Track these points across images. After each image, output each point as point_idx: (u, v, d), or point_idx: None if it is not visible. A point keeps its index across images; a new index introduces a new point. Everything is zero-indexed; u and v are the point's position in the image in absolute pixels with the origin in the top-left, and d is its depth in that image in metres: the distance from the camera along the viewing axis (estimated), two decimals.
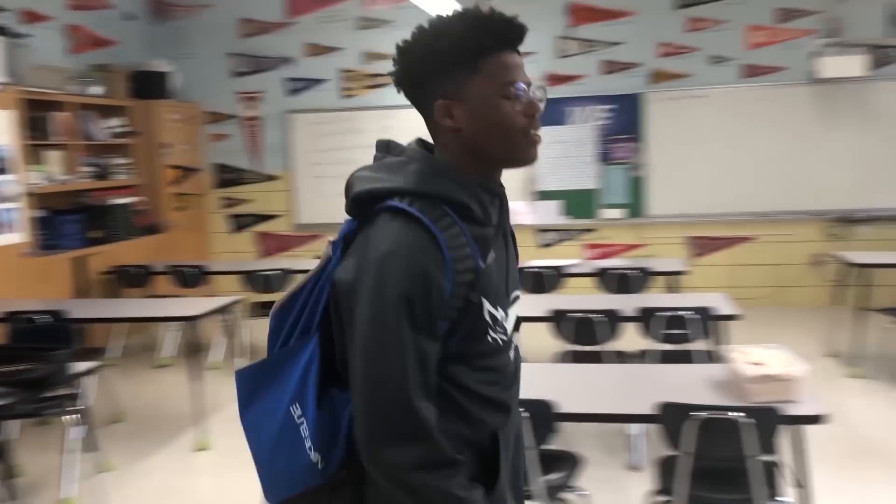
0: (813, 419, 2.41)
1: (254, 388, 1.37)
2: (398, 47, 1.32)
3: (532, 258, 5.94)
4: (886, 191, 6.69)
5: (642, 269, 5.04)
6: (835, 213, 6.78)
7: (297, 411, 1.30)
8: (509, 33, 1.28)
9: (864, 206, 6.73)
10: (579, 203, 7.28)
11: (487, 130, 1.28)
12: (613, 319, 3.87)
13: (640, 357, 3.95)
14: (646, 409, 2.47)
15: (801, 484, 2.66)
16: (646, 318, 3.87)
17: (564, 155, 7.25)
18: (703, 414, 2.37)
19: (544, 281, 5.19)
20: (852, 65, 6.41)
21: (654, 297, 4.51)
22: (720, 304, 3.99)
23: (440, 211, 1.25)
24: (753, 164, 6.91)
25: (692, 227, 7.12)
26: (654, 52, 7.06)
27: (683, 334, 3.80)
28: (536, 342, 4.34)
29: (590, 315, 3.85)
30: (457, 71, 1.27)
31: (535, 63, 7.15)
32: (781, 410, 2.38)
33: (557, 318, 3.93)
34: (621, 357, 3.97)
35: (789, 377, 2.50)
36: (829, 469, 3.64)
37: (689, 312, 3.77)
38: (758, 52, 6.89)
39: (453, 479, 1.22)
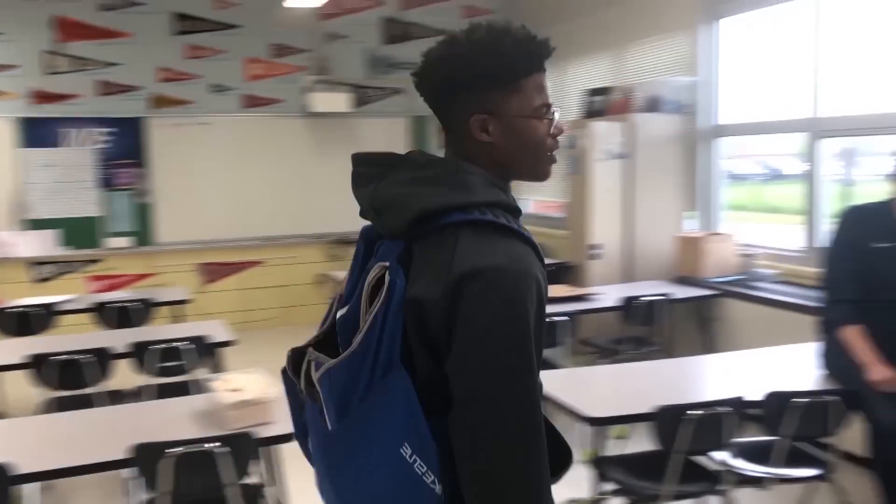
0: (286, 438, 2.54)
1: (344, 452, 1.24)
2: (430, 55, 1.29)
3: (25, 295, 5.30)
4: None
5: (144, 301, 4.84)
6: (334, 235, 7.40)
7: (407, 451, 1.17)
8: (547, 55, 1.31)
9: (358, 228, 7.45)
10: (80, 232, 6.74)
11: (520, 148, 1.30)
12: (104, 358, 3.63)
13: (137, 395, 3.77)
14: (122, 454, 2.34)
15: (281, 502, 2.79)
16: (140, 352, 3.71)
17: (59, 180, 6.66)
18: (179, 450, 2.33)
19: (31, 322, 4.66)
20: (339, 101, 7.09)
21: (152, 330, 4.37)
22: (217, 331, 4.02)
23: (516, 221, 1.25)
24: (259, 191, 7.19)
25: (203, 253, 7.11)
26: (154, 77, 6.90)
27: (179, 366, 3.73)
28: (16, 392, 3.86)
29: (76, 356, 3.55)
30: (499, 88, 1.27)
31: (19, 78, 6.45)
32: (256, 434, 2.46)
33: (38, 364, 3.54)
34: (115, 397, 3.74)
35: (264, 400, 2.60)
36: None
37: (184, 343, 3.71)
38: (257, 84, 7.20)
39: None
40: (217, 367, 3.88)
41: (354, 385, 1.20)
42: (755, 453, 2.85)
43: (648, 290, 4.69)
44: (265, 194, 7.21)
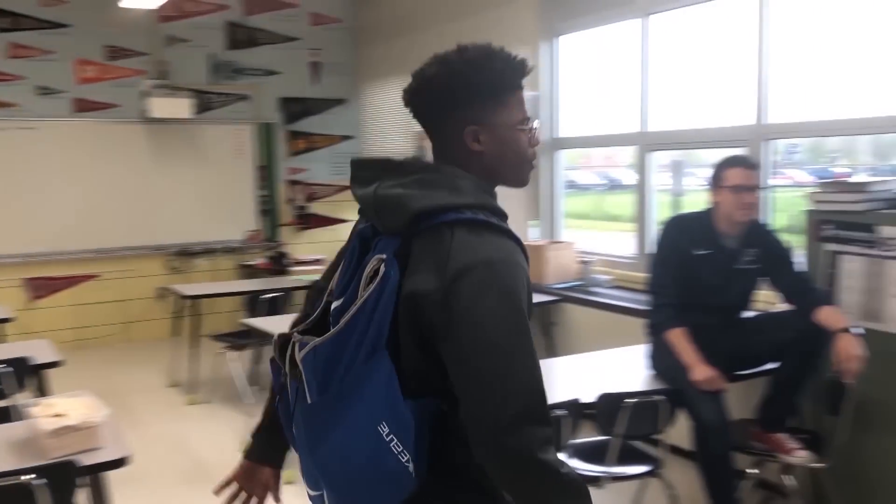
0: (114, 464, 2.38)
1: (322, 424, 1.33)
2: (424, 74, 1.44)
3: None
4: (217, 224, 7.27)
5: None
6: (175, 247, 7.08)
7: (385, 429, 1.27)
8: (526, 73, 1.46)
9: (200, 239, 7.19)
10: None
11: (506, 156, 1.45)
12: None
13: None
14: None
15: None
16: None
17: None
18: None
19: None
20: (180, 107, 6.80)
21: None
22: (42, 351, 3.72)
23: (504, 222, 1.38)
24: (93, 200, 6.76)
25: (30, 267, 6.60)
26: None
27: None
28: None
29: None
30: (488, 102, 1.42)
31: None
32: (79, 462, 2.30)
33: None
34: None
35: (90, 425, 2.44)
36: (173, 500, 3.72)
37: (2, 366, 3.42)
38: (90, 87, 6.78)
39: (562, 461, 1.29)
40: (41, 391, 3.60)
41: (338, 362, 1.31)
42: (591, 453, 2.97)
43: None
44: (100, 204, 6.79)
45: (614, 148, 5.55)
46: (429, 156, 1.50)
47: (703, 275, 3.14)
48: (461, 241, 1.31)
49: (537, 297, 4.96)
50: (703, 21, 4.51)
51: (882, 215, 3.06)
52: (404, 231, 1.34)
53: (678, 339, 3.06)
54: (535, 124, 1.51)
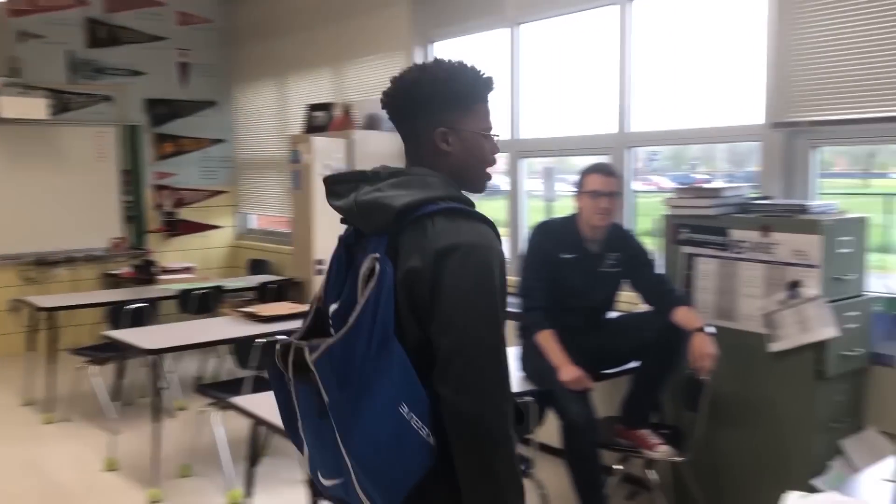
0: None
1: (349, 416, 1.43)
2: (404, 79, 1.60)
3: None
4: (79, 232, 6.88)
5: None
6: (30, 256, 6.64)
7: (404, 409, 1.41)
8: (492, 88, 1.64)
9: (60, 247, 6.78)
10: None
11: (470, 159, 1.61)
12: None
13: None
14: None
15: None
16: None
17: None
18: None
19: None
20: (34, 107, 6.38)
21: None
22: None
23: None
24: None
25: None
26: None
27: None
28: None
29: None
30: (459, 109, 1.59)
31: None
32: None
33: None
34: None
35: None
36: None
37: None
38: None
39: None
40: None
41: (352, 357, 1.42)
42: None
43: None
44: None
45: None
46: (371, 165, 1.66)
47: (569, 278, 3.22)
48: (442, 227, 1.48)
49: None
50: (570, 31, 4.65)
51: (733, 219, 3.24)
52: (390, 228, 1.50)
53: (547, 340, 3.12)
54: (497, 134, 1.68)
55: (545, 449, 3.29)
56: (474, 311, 1.44)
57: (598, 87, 4.40)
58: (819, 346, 2.96)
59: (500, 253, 1.52)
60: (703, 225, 3.31)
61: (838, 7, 3.29)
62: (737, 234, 3.19)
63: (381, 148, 5.51)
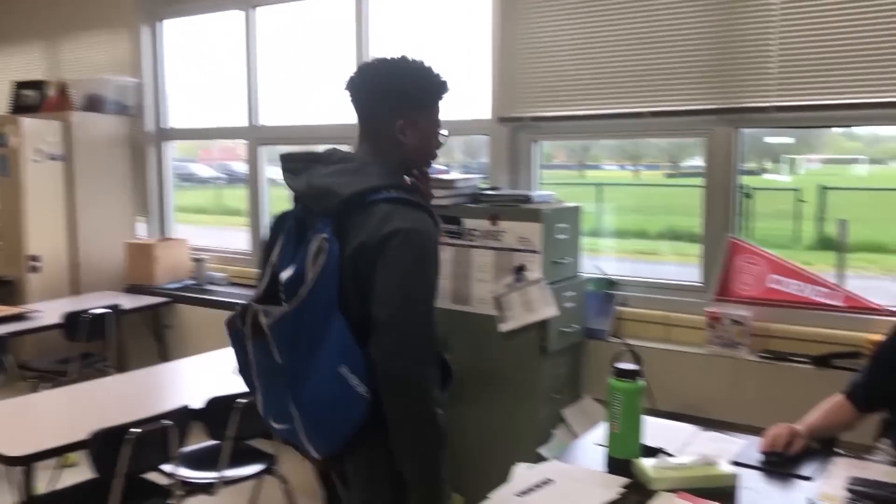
0: None
1: (298, 377, 1.67)
2: (367, 68, 1.83)
3: None
4: None
5: None
6: None
7: (344, 370, 1.65)
8: (448, 90, 1.87)
9: None
10: None
11: (421, 151, 1.86)
12: None
13: None
14: None
15: None
16: None
17: None
18: None
19: None
20: None
21: None
22: None
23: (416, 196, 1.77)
24: None
25: None
26: None
27: None
28: None
29: None
30: (419, 105, 1.83)
31: None
32: None
33: None
34: None
35: None
36: None
37: None
38: None
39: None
40: None
41: (301, 327, 1.65)
42: (203, 460, 2.85)
43: (96, 302, 4.39)
44: None
45: (236, 140, 5.40)
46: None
47: None
48: (387, 213, 1.68)
49: (146, 300, 4.68)
50: (310, 16, 4.59)
51: (466, 209, 3.40)
52: (339, 211, 1.70)
53: None
54: (445, 132, 1.89)
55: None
56: (410, 289, 1.66)
57: (337, 72, 4.39)
58: (542, 325, 3.21)
59: (435, 238, 1.73)
60: (440, 214, 3.43)
61: (556, 11, 3.58)
62: (469, 222, 3.36)
63: (104, 131, 5.09)
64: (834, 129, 4.12)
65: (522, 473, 1.93)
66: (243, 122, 4.86)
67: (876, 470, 1.94)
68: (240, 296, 4.47)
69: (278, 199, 4.95)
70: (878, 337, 2.86)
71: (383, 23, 4.24)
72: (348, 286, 1.67)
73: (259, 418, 2.78)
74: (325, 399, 1.66)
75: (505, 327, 3.24)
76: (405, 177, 1.85)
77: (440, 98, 1.87)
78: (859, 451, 2.16)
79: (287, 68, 4.72)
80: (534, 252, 3.20)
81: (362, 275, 1.66)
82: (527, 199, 3.31)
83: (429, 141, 1.86)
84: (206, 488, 2.76)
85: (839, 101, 2.99)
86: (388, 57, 1.83)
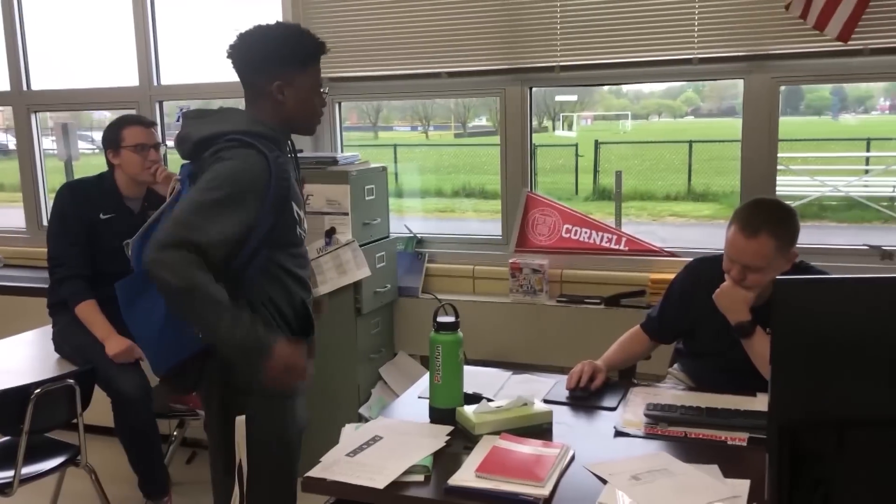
0: None
1: (133, 294, 1.94)
2: (244, 36, 1.95)
3: None
4: None
5: None
6: None
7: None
8: (323, 50, 2.00)
9: None
10: None
11: (301, 110, 1.99)
12: None
13: None
14: None
15: None
16: None
17: None
18: None
19: None
20: None
21: None
22: None
23: (266, 143, 1.89)
24: None
25: None
26: None
27: None
28: None
29: None
30: (295, 67, 1.95)
31: None
32: None
33: None
34: None
35: None
36: None
37: None
38: None
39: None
40: None
41: (142, 252, 1.79)
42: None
43: None
44: None
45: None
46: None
47: (110, 241, 2.97)
48: (228, 154, 1.83)
49: None
50: None
51: None
52: (191, 155, 1.93)
53: (89, 312, 2.88)
54: (325, 90, 2.04)
55: (94, 430, 3.04)
56: (189, 200, 1.79)
57: (117, 37, 4.08)
58: (356, 286, 3.24)
59: (259, 173, 1.83)
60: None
61: None
62: None
63: None
64: (605, 88, 4.46)
65: (350, 433, 1.97)
66: (6, 86, 4.38)
67: (667, 395, 2.18)
68: (19, 278, 4.07)
69: (55, 171, 4.55)
70: (659, 276, 3.19)
71: None
72: None
73: (61, 407, 2.62)
74: (154, 322, 1.90)
75: (320, 291, 3.23)
76: (265, 126, 1.93)
77: (315, 58, 1.99)
78: (653, 381, 2.42)
79: (61, 27, 4.30)
80: (343, 214, 3.21)
81: None
82: (333, 162, 3.30)
83: (308, 100, 1.99)
84: (2, 489, 2.54)
85: (612, 61, 3.24)
86: (263, 24, 1.97)
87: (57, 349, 2.98)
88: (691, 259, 2.50)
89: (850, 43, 2.84)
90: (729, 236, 2.18)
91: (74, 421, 2.73)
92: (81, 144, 4.52)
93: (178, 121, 2.76)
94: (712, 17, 3.08)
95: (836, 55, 2.95)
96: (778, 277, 1.38)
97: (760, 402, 2.00)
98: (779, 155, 3.17)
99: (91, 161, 5.13)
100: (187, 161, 1.95)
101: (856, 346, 1.39)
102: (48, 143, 4.53)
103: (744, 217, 2.16)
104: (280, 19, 3.65)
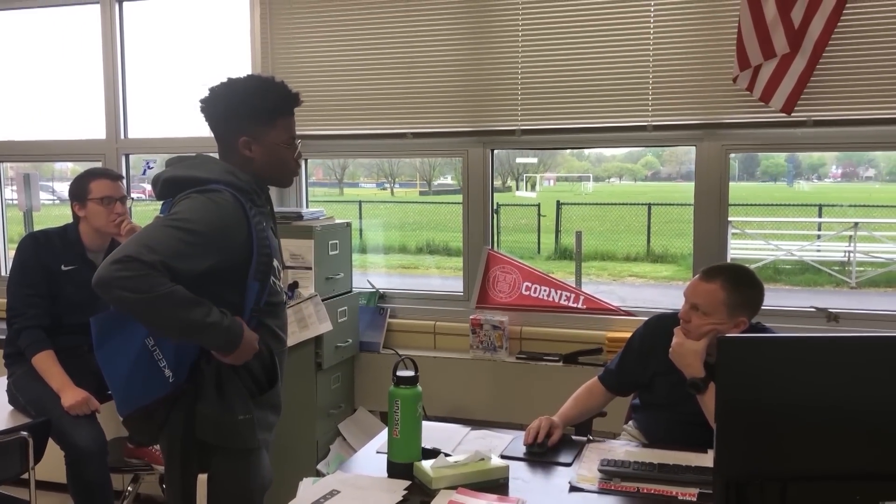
0: None
1: (107, 330, 1.90)
2: (214, 90, 1.95)
3: None
4: None
5: None
6: None
7: (150, 342, 1.87)
8: (295, 103, 1.99)
9: None
10: None
11: (272, 165, 1.98)
12: None
13: None
14: None
15: None
16: None
17: None
18: None
19: None
20: None
21: None
22: None
23: (244, 194, 1.90)
24: None
25: None
26: None
27: None
28: None
29: None
30: (262, 122, 1.94)
31: None
32: None
33: None
34: None
35: None
36: None
37: None
38: None
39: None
40: None
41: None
42: None
43: None
44: None
45: None
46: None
47: (71, 293, 2.97)
48: (195, 199, 1.83)
49: None
50: (49, 26, 4.26)
51: None
52: (163, 195, 1.93)
53: (46, 362, 2.85)
54: (299, 141, 2.03)
55: (46, 486, 2.98)
56: (145, 234, 1.76)
57: (85, 89, 4.12)
58: (317, 341, 3.26)
59: (230, 213, 1.84)
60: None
61: (319, 34, 3.65)
62: None
63: None
64: (567, 151, 4.60)
65: (308, 487, 1.97)
66: None
67: (620, 451, 2.23)
68: None
69: (15, 220, 4.52)
70: (615, 334, 3.26)
71: (135, 34, 4.05)
72: None
73: (12, 461, 2.57)
74: (125, 367, 1.89)
75: None
76: (239, 178, 1.92)
77: (286, 112, 1.97)
78: (608, 437, 2.46)
79: (29, 79, 4.34)
80: (307, 269, 3.24)
81: None
82: (298, 217, 3.34)
83: (278, 155, 1.97)
84: None
85: (570, 126, 3.37)
86: (235, 77, 1.96)
87: (11, 401, 2.93)
88: (648, 317, 2.58)
89: (793, 114, 3.00)
90: (690, 282, 2.35)
91: (25, 476, 2.68)
92: (42, 195, 4.50)
93: (143, 174, 2.84)
94: (666, 87, 3.22)
95: (782, 125, 3.11)
96: (721, 336, 1.44)
97: (710, 458, 2.05)
98: (734, 219, 3.31)
99: (52, 212, 5.11)
100: (159, 198, 1.96)
101: (798, 403, 1.46)
102: (8, 192, 4.51)
103: (709, 266, 2.35)
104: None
